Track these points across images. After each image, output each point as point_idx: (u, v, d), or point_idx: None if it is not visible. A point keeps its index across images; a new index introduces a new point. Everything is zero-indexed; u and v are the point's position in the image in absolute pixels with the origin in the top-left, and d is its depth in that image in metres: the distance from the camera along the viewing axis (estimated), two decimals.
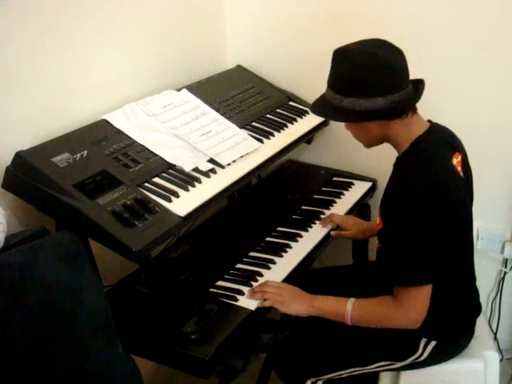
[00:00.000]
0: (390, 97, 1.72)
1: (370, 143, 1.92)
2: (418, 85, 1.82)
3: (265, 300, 1.88)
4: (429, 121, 1.89)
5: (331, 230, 2.34)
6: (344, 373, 1.99)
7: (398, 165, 1.86)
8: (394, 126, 1.80)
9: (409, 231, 1.73)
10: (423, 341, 1.91)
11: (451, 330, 1.95)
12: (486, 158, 2.48)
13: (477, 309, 2.04)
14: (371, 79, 1.71)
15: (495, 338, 2.68)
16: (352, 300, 1.87)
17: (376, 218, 1.91)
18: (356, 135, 1.91)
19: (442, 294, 1.83)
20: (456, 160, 1.83)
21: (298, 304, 1.91)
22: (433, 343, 1.91)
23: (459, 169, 1.84)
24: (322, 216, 2.40)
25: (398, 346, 1.95)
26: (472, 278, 2.01)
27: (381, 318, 1.86)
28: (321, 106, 1.85)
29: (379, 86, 1.71)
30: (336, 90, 1.78)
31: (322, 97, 1.86)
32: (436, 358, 1.96)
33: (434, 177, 1.74)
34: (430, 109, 1.90)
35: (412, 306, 1.79)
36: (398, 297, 1.80)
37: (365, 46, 1.75)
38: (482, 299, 2.09)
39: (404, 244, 1.75)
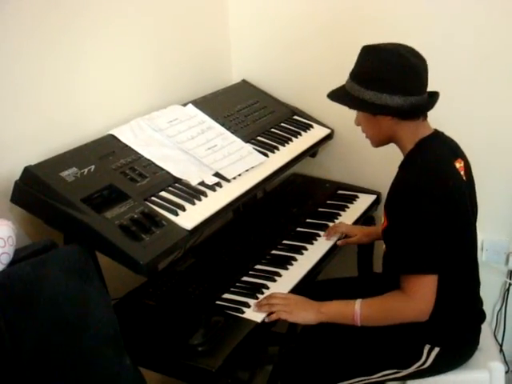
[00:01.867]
0: (409, 98, 1.81)
1: (377, 140, 1.99)
2: (434, 95, 1.90)
3: (272, 313, 1.90)
4: (434, 129, 1.96)
5: (337, 240, 2.36)
6: (349, 383, 1.99)
7: (403, 164, 1.93)
8: (405, 126, 1.88)
9: (413, 221, 1.79)
10: (427, 347, 1.93)
11: (455, 336, 1.97)
12: (489, 170, 2.49)
13: (480, 315, 2.06)
14: (396, 77, 1.80)
15: (501, 350, 2.68)
16: (359, 300, 1.90)
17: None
18: (367, 130, 1.98)
19: (445, 298, 1.86)
20: (459, 164, 1.91)
21: (306, 312, 1.93)
22: (436, 349, 1.93)
23: (462, 173, 1.90)
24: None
25: (402, 353, 1.97)
26: (476, 283, 2.04)
27: (389, 313, 1.88)
28: (341, 95, 1.93)
29: (402, 86, 1.81)
30: (359, 82, 1.86)
31: (342, 87, 1.94)
32: (440, 366, 1.97)
33: (437, 171, 1.82)
34: (432, 120, 1.93)
35: (419, 296, 1.82)
36: (405, 287, 1.84)
37: (394, 46, 1.84)
38: (488, 311, 2.10)
39: (410, 234, 1.80)
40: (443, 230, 1.80)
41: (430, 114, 1.91)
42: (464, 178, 1.91)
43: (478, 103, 2.49)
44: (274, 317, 1.90)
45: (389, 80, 1.80)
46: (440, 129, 1.97)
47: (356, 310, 1.88)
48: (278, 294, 1.99)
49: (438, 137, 1.94)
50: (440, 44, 2.42)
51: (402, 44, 1.86)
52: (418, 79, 1.83)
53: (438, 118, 1.95)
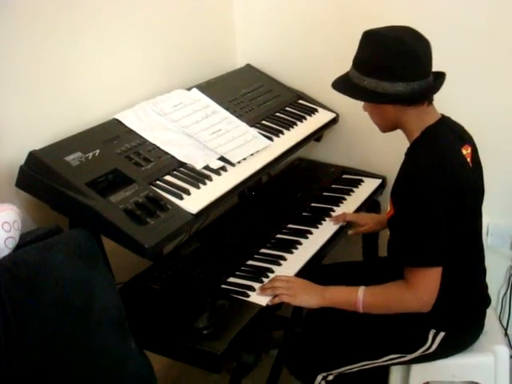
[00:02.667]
0: (411, 84, 1.77)
1: (384, 127, 1.97)
2: (439, 77, 1.86)
3: (275, 296, 1.90)
4: (441, 114, 1.93)
5: (343, 227, 2.36)
6: (354, 367, 2.00)
7: (410, 152, 1.91)
8: (409, 112, 1.85)
9: (420, 213, 1.77)
10: (432, 332, 1.93)
11: (459, 320, 1.97)
12: (495, 154, 2.48)
13: (485, 299, 2.06)
14: (396, 64, 1.76)
15: (506, 334, 2.69)
16: (363, 288, 1.90)
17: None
18: (372, 117, 1.96)
19: (450, 284, 1.86)
20: (465, 151, 1.88)
21: (309, 296, 1.93)
22: (442, 334, 1.93)
23: (468, 159, 1.88)
24: (332, 213, 2.41)
25: (407, 338, 1.97)
26: (481, 269, 2.04)
27: (392, 302, 1.88)
28: (342, 83, 1.91)
29: (402, 72, 1.77)
30: (359, 70, 1.83)
31: (346, 75, 1.91)
32: (445, 351, 1.98)
33: (444, 161, 1.79)
34: (442, 103, 1.92)
35: (423, 288, 1.82)
36: (408, 279, 1.83)
37: (394, 31, 1.80)
38: (493, 295, 2.11)
39: (415, 226, 1.79)
40: (450, 220, 1.79)
41: (437, 97, 1.89)
42: (470, 164, 1.89)
43: (483, 86, 2.47)
44: (276, 300, 1.90)
45: (389, 67, 1.77)
46: (447, 113, 1.95)
47: (359, 298, 1.88)
48: (282, 276, 1.99)
49: (444, 123, 1.91)
50: (445, 27, 2.40)
51: (403, 27, 1.83)
52: (420, 64, 1.79)
53: (443, 102, 1.93)
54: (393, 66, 1.77)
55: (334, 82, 1.95)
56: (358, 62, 1.86)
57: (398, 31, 1.81)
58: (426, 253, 1.80)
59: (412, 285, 1.82)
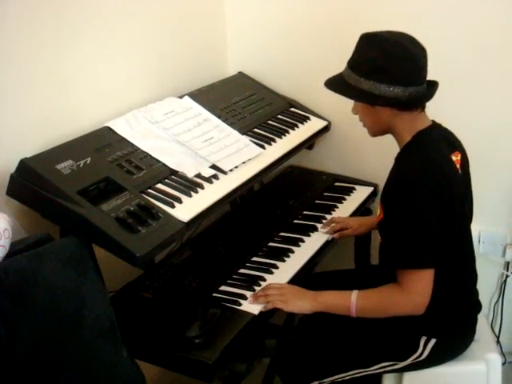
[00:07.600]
0: (408, 88, 1.79)
1: (375, 130, 1.97)
2: (433, 85, 1.88)
3: (268, 303, 1.89)
4: (432, 121, 1.94)
5: (335, 232, 2.36)
6: (347, 375, 2.00)
7: (399, 156, 1.92)
8: (403, 117, 1.86)
9: (409, 214, 1.79)
10: (423, 339, 1.93)
11: (450, 326, 1.97)
12: (487, 162, 2.49)
13: (476, 305, 2.06)
14: (396, 68, 1.78)
15: (498, 342, 2.69)
16: (356, 291, 1.90)
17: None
18: (364, 120, 1.96)
19: (441, 290, 1.86)
20: (455, 158, 1.90)
21: (301, 301, 1.93)
22: (433, 341, 1.93)
23: (457, 166, 1.90)
24: (324, 221, 2.42)
25: (398, 345, 1.97)
26: (472, 275, 2.04)
27: (385, 306, 1.88)
28: (338, 84, 1.91)
29: (401, 77, 1.79)
30: (357, 72, 1.84)
31: (339, 75, 1.92)
32: (437, 358, 1.98)
33: (433, 165, 1.81)
34: (431, 111, 1.93)
35: (415, 290, 1.82)
36: (401, 281, 1.84)
37: (394, 35, 1.82)
38: (484, 303, 2.10)
39: (406, 228, 1.80)
40: (439, 222, 1.80)
41: (429, 104, 1.90)
42: (459, 171, 1.90)
43: (476, 94, 2.48)
44: (269, 306, 1.89)
45: (388, 70, 1.78)
46: (438, 120, 1.97)
47: (352, 301, 1.88)
48: (274, 284, 1.99)
49: (435, 129, 1.93)
50: (440, 35, 2.41)
51: (401, 32, 1.84)
52: (418, 70, 1.81)
53: (436, 109, 1.94)
54: (393, 70, 1.78)
55: (328, 81, 1.95)
56: (354, 63, 1.87)
57: (398, 36, 1.82)
58: (418, 254, 1.81)
59: (405, 287, 1.83)
